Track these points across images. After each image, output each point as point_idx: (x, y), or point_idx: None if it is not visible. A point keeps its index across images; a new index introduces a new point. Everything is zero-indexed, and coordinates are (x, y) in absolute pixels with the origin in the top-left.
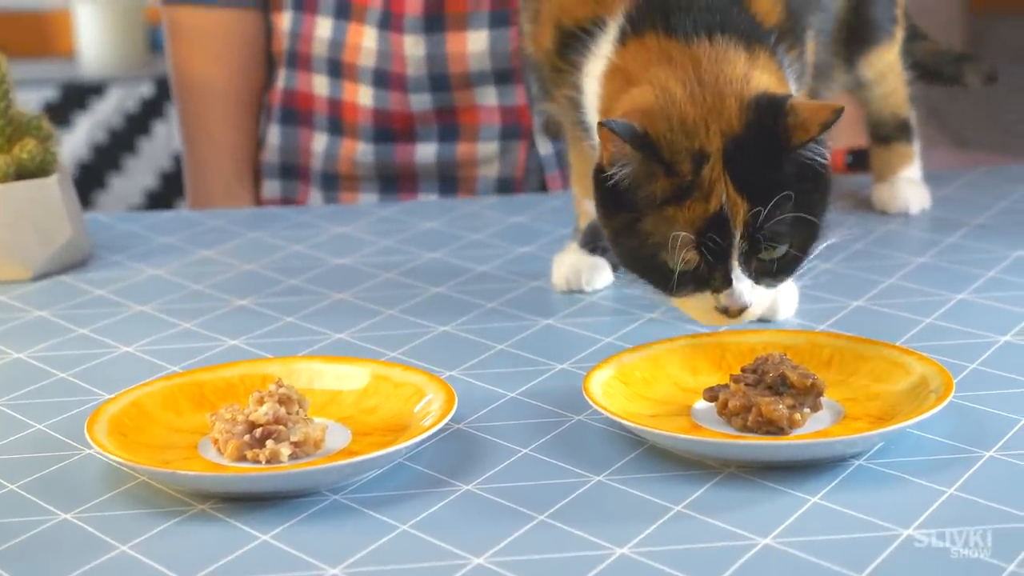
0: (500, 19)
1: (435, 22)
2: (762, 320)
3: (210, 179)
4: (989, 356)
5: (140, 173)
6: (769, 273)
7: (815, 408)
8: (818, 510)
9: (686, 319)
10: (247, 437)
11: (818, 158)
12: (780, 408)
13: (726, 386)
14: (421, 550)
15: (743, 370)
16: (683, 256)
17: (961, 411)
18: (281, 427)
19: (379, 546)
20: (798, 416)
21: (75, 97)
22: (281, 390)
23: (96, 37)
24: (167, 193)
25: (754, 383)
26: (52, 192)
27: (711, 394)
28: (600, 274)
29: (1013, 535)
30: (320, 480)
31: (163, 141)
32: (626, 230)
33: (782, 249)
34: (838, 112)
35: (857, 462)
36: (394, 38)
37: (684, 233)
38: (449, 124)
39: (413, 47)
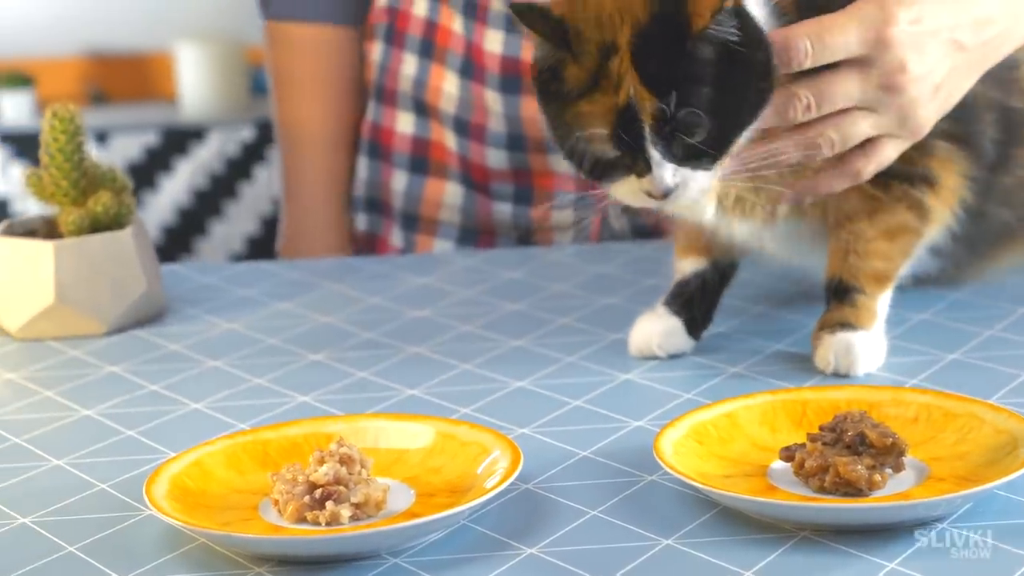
0: None
1: (511, 84)
2: (842, 376)
3: (304, 207)
4: None
5: (242, 219)
6: (694, 155)
7: (897, 468)
8: None
9: (769, 374)
10: (307, 498)
11: (732, 36)
12: (858, 468)
13: (803, 445)
14: None
15: (821, 428)
16: (600, 148)
17: None
18: (342, 488)
19: None
20: (878, 477)
21: (176, 142)
22: (342, 449)
23: (198, 80)
24: (268, 239)
25: (832, 442)
26: (127, 245)
27: (787, 454)
28: (672, 339)
29: None
30: (379, 543)
31: (264, 186)
32: (556, 121)
33: (700, 135)
34: None
35: (940, 525)
36: (475, 88)
37: (597, 130)
38: (524, 185)
39: (493, 102)
